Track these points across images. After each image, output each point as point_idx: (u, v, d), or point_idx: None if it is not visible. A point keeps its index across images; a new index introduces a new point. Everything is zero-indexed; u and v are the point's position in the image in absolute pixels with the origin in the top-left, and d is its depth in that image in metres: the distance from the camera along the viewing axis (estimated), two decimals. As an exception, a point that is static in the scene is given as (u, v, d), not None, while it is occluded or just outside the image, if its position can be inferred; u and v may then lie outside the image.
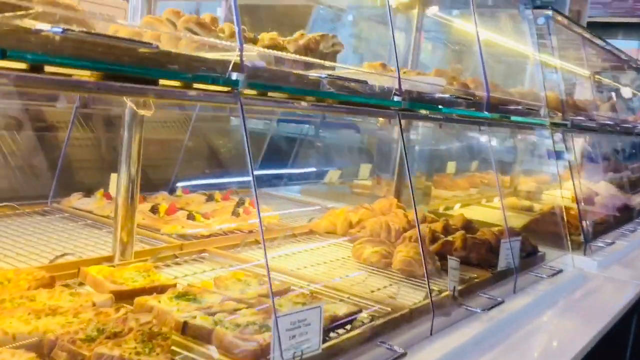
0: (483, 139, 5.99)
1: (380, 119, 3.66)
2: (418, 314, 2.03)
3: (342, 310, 1.85)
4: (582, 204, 4.82)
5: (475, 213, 4.52)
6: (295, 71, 1.63)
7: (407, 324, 1.94)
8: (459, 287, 2.35)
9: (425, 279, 2.10)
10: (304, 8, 4.26)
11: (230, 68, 1.36)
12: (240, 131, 1.50)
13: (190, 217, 2.76)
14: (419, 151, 5.06)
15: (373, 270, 2.57)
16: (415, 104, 2.09)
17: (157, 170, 3.87)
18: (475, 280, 2.52)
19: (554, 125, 3.41)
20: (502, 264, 2.68)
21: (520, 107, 2.90)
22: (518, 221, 4.23)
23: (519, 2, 3.23)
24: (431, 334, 2.03)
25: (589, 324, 2.57)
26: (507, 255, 2.69)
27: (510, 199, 4.86)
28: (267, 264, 1.70)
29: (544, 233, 3.75)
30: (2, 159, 3.08)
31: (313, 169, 5.24)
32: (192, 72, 1.33)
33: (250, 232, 2.90)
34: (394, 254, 2.61)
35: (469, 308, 2.25)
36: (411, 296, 2.26)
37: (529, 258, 3.05)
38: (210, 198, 3.33)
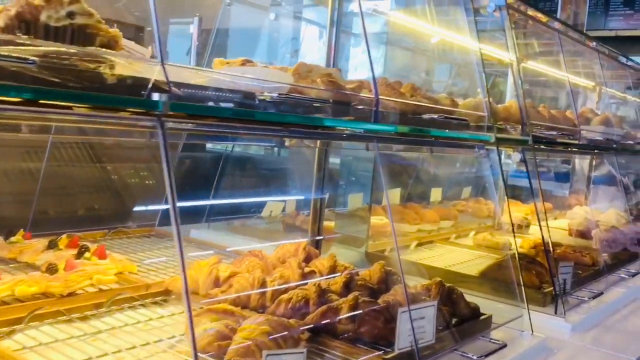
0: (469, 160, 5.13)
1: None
2: None
3: None
4: (572, 237, 3.94)
5: (431, 255, 3.65)
6: None
7: None
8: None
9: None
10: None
11: None
12: None
13: (-31, 278, 1.98)
14: (391, 173, 4.20)
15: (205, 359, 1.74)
16: (194, 107, 1.27)
17: (13, 208, 3.13)
18: (346, 376, 1.67)
19: (505, 141, 2.56)
20: (402, 344, 1.83)
21: (436, 117, 2.06)
22: (482, 266, 3.35)
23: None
24: None
25: None
26: (410, 330, 1.84)
27: (481, 235, 3.97)
28: None
29: (505, 283, 2.87)
30: None
31: (249, 200, 4.42)
32: None
33: (68, 296, 2.10)
34: (236, 334, 1.78)
35: None
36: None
37: (462, 327, 2.17)
38: (51, 245, 2.54)
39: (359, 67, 3.31)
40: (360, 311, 1.95)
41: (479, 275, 3.01)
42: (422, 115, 2.07)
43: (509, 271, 2.89)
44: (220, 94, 1.40)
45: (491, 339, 2.16)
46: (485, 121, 2.42)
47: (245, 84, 1.50)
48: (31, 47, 1.09)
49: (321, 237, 3.26)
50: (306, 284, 2.25)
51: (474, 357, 1.99)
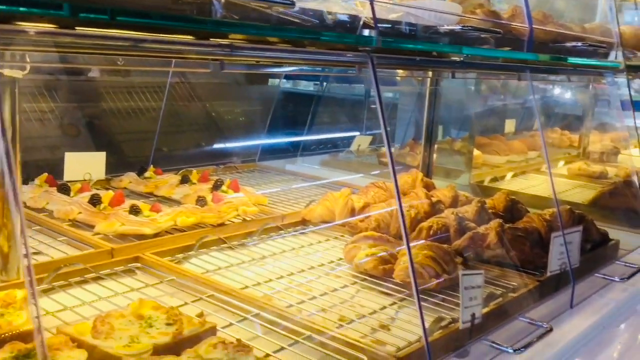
0: (546, 89, 5.04)
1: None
2: (408, 367, 1.32)
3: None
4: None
5: (531, 184, 3.68)
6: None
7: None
8: (485, 310, 1.61)
9: (417, 306, 1.37)
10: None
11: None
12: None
13: (134, 210, 2.12)
14: (465, 106, 4.19)
15: (368, 281, 1.86)
16: (399, 42, 1.33)
17: (134, 145, 3.27)
18: (511, 295, 1.76)
19: (632, 68, 2.53)
20: (553, 267, 1.91)
21: (579, 45, 2.06)
22: (585, 194, 3.38)
23: None
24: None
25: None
26: (561, 254, 1.92)
27: (577, 164, 3.98)
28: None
29: (619, 210, 2.90)
30: None
31: (337, 135, 4.51)
32: None
33: (219, 226, 2.25)
34: (398, 258, 1.89)
35: (495, 345, 1.52)
36: (416, 324, 1.55)
37: (596, 251, 2.24)
38: (184, 180, 2.68)
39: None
40: (506, 237, 2.03)
41: (590, 203, 3.05)
42: (565, 44, 2.06)
43: (622, 198, 2.92)
44: (412, 28, 1.44)
45: (627, 263, 2.23)
46: (615, 48, 2.39)
47: (426, 17, 1.54)
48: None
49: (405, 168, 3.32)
50: (440, 213, 2.34)
51: (616, 279, 2.07)
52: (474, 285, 1.51)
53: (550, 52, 2.04)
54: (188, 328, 1.32)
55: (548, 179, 3.91)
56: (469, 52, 1.55)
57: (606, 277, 2.08)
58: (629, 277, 2.08)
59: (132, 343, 1.24)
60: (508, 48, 1.81)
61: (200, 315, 1.51)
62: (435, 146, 3.59)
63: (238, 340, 1.28)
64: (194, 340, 1.29)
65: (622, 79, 2.67)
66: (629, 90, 2.45)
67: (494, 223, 2.09)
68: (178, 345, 1.27)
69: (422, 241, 1.92)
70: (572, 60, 2.13)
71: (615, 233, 2.55)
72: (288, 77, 4.14)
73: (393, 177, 1.39)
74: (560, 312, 1.84)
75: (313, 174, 3.55)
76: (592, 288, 2.03)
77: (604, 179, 3.75)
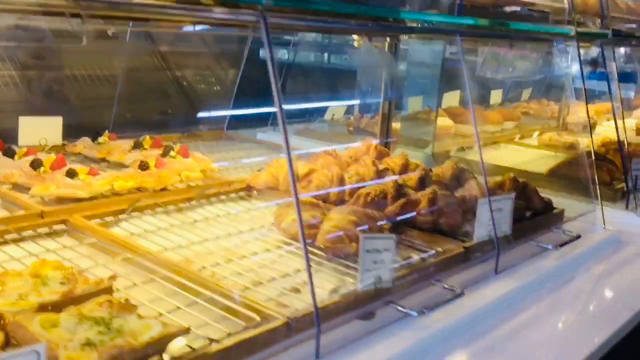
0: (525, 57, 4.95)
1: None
2: (299, 327, 1.33)
3: (149, 333, 1.18)
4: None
5: (498, 154, 3.65)
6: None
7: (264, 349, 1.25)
8: (398, 274, 1.61)
9: (307, 267, 1.38)
10: None
11: None
12: None
13: (71, 174, 2.13)
14: (448, 76, 4.11)
15: (294, 246, 1.86)
16: (292, 0, 1.30)
17: (97, 112, 3.27)
18: (430, 260, 1.76)
19: (584, 36, 2.48)
20: (480, 233, 1.91)
21: (519, 10, 2.02)
22: (549, 164, 3.35)
23: None
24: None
25: (606, 323, 1.78)
26: (489, 220, 1.91)
27: (548, 135, 3.94)
28: None
29: (577, 180, 2.88)
30: None
31: (312, 105, 4.47)
32: None
33: (161, 191, 2.25)
34: (323, 223, 1.89)
35: (399, 308, 1.52)
36: (325, 288, 1.55)
37: (535, 219, 2.23)
38: (136, 145, 2.68)
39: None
40: (439, 204, 2.03)
41: (548, 173, 3.03)
42: (504, 8, 2.03)
43: (579, 168, 2.89)
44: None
45: (565, 230, 2.22)
46: (566, 14, 2.34)
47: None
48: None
49: (391, 140, 3.31)
50: (382, 180, 2.33)
51: (550, 247, 2.06)
52: (379, 249, 1.51)
53: (489, 17, 2.01)
54: (81, 288, 1.34)
55: (519, 149, 3.92)
56: (374, 13, 1.52)
57: (540, 244, 2.08)
58: (561, 245, 2.08)
59: (19, 301, 1.25)
60: (436, 11, 1.78)
61: (113, 277, 1.52)
62: (403, 116, 3.58)
63: (125, 299, 1.29)
64: (84, 299, 1.30)
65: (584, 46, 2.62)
66: (579, 58, 2.40)
67: (429, 190, 2.09)
68: (68, 304, 1.28)
69: (346, 210, 1.91)
70: (514, 25, 2.09)
71: (569, 202, 2.55)
72: (257, 42, 4.07)
73: (287, 154, 1.38)
74: (484, 278, 1.84)
75: (278, 143, 3.53)
76: (523, 255, 2.02)
77: (574, 149, 3.71)
